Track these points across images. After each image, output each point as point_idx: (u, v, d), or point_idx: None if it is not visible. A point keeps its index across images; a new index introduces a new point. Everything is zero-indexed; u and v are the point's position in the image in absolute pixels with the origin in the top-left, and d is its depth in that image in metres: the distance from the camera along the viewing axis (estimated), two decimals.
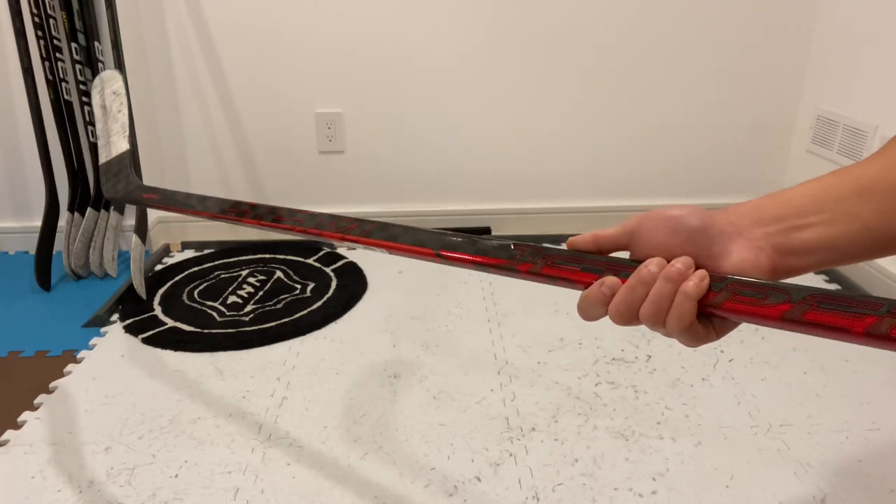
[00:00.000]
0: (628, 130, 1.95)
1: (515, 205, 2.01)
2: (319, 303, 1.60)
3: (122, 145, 0.98)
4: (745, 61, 1.88)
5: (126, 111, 1.02)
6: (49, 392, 1.29)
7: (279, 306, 1.59)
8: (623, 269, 0.48)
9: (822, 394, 1.25)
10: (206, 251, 1.92)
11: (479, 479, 1.05)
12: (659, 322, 0.45)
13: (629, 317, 0.46)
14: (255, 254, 1.89)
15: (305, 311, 1.56)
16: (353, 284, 1.70)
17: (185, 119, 1.89)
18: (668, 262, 0.45)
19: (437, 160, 1.97)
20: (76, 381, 1.32)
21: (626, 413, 1.20)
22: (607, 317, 0.48)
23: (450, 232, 0.58)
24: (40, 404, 1.25)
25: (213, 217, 0.76)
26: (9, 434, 1.17)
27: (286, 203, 1.98)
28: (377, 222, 0.61)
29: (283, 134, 1.92)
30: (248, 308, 1.58)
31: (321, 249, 1.90)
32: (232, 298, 1.63)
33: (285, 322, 1.52)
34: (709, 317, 0.45)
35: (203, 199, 0.80)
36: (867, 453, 1.10)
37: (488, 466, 1.07)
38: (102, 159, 0.98)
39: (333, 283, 1.70)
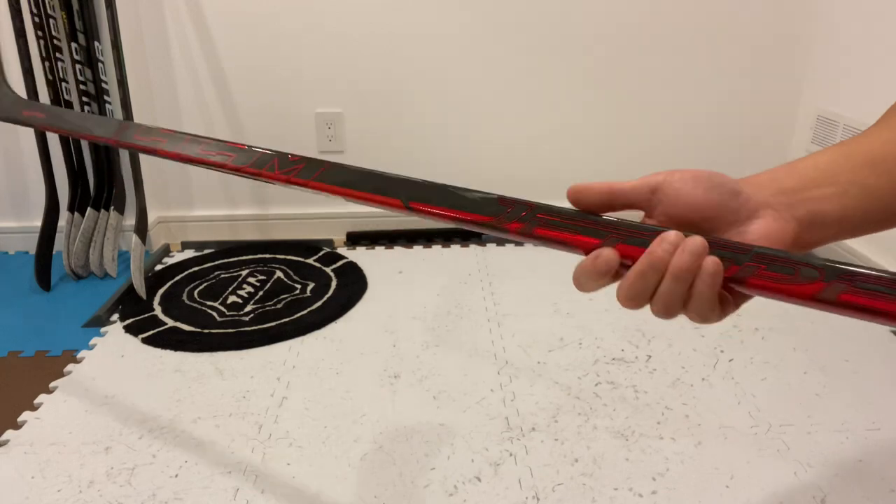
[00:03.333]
0: (628, 130, 1.95)
1: None
2: (319, 303, 1.60)
3: None
4: (745, 61, 1.88)
5: None
6: (49, 392, 1.29)
7: (279, 306, 1.59)
8: (631, 235, 0.42)
9: (822, 394, 1.25)
10: (206, 251, 1.92)
11: (479, 479, 1.05)
12: (675, 313, 0.42)
13: (641, 303, 0.42)
14: (255, 254, 1.89)
15: (305, 311, 1.56)
16: (353, 284, 1.70)
17: (186, 119, 1.89)
18: (686, 237, 0.41)
19: (437, 160, 1.97)
20: (76, 381, 1.32)
21: (626, 413, 1.20)
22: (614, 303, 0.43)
23: (425, 181, 0.49)
24: (40, 404, 1.25)
25: (107, 141, 0.65)
26: (9, 434, 1.17)
27: (286, 203, 1.99)
28: (332, 163, 0.52)
29: (283, 134, 1.92)
30: (248, 308, 1.58)
31: (321, 249, 1.90)
32: (232, 298, 1.63)
33: (285, 322, 1.52)
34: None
35: (103, 122, 0.67)
36: (867, 453, 1.10)
37: (488, 466, 1.07)
38: None
39: (333, 283, 1.70)
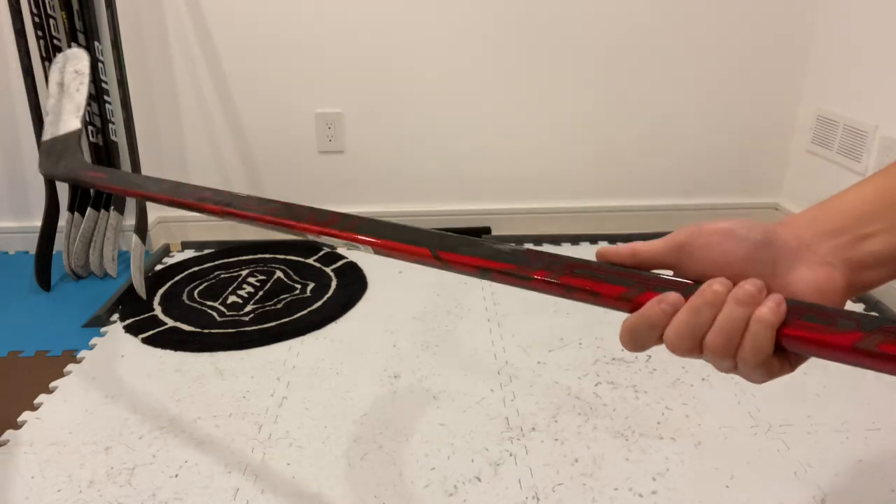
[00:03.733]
0: (628, 130, 1.95)
1: (515, 205, 2.01)
2: (319, 303, 1.60)
3: (72, 124, 0.91)
4: (745, 61, 1.88)
5: (85, 91, 0.94)
6: (49, 392, 1.29)
7: (279, 306, 1.59)
8: (666, 286, 0.40)
9: (822, 394, 1.25)
10: (206, 251, 1.92)
11: (479, 479, 1.05)
12: (729, 354, 0.38)
13: (692, 345, 0.39)
14: (255, 254, 1.89)
15: (305, 311, 1.56)
16: (353, 284, 1.70)
17: (185, 119, 1.89)
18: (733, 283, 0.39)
19: (437, 160, 1.97)
20: (76, 381, 1.32)
21: (626, 413, 1.20)
22: (663, 345, 0.40)
23: (450, 232, 0.50)
24: (40, 404, 1.25)
25: (171, 203, 0.68)
26: (9, 434, 1.17)
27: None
28: (365, 218, 0.54)
29: (283, 134, 1.92)
30: (248, 308, 1.58)
31: (321, 249, 1.90)
32: (232, 298, 1.63)
33: (285, 322, 1.52)
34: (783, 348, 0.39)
35: (158, 182, 0.71)
36: (867, 453, 1.10)
37: (488, 466, 1.07)
38: (47, 136, 0.91)
39: (333, 283, 1.70)
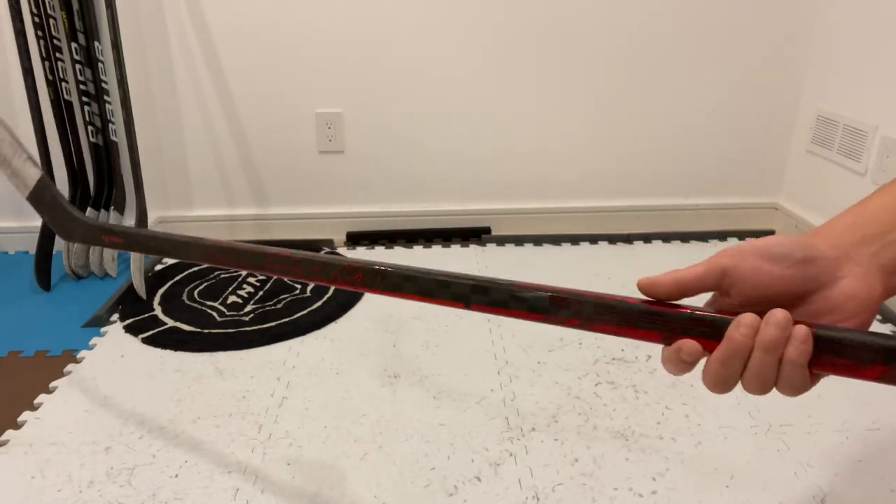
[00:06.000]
0: (628, 131, 1.95)
1: (515, 205, 2.01)
2: (319, 303, 1.60)
3: (31, 172, 0.89)
4: (745, 61, 1.88)
5: (18, 147, 0.91)
6: (49, 392, 1.29)
7: (279, 306, 1.59)
8: (690, 326, 0.42)
9: (822, 394, 1.25)
10: None
11: (479, 479, 1.05)
12: (766, 391, 0.41)
13: (730, 387, 0.42)
14: None
15: (305, 311, 1.56)
16: None
17: (185, 119, 1.89)
18: (761, 314, 0.40)
19: (437, 160, 1.97)
20: (76, 381, 1.32)
21: (626, 413, 1.20)
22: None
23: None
24: (40, 404, 1.25)
25: (201, 260, 0.70)
26: (9, 434, 1.17)
27: (286, 203, 1.99)
28: (386, 271, 0.54)
29: (283, 134, 1.92)
30: (248, 308, 1.58)
31: (321, 249, 1.90)
32: (232, 298, 1.63)
33: (285, 322, 1.52)
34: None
35: (168, 237, 0.72)
36: (867, 453, 1.10)
37: (488, 466, 1.07)
38: (25, 193, 0.89)
39: None
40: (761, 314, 0.41)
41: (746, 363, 0.40)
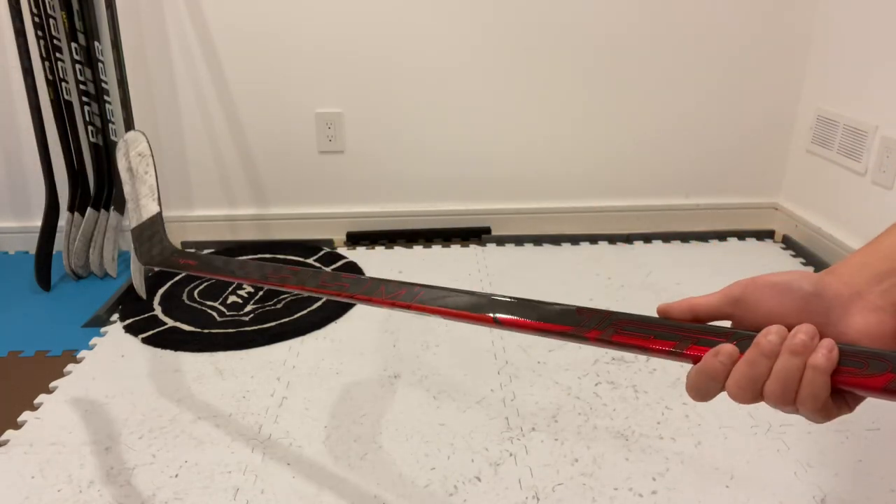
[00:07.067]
0: (628, 130, 1.95)
1: (515, 205, 2.01)
2: (319, 303, 1.60)
3: (152, 208, 0.95)
4: (745, 61, 1.88)
5: (153, 172, 0.99)
6: (49, 392, 1.29)
7: (279, 306, 1.59)
8: (707, 338, 0.43)
9: None
10: (205, 251, 1.92)
11: (479, 479, 1.05)
12: (789, 401, 0.41)
13: (753, 395, 0.42)
14: (255, 254, 1.89)
15: (305, 311, 1.56)
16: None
17: (185, 119, 1.89)
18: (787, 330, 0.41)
19: (437, 160, 1.97)
20: (76, 381, 1.32)
21: (626, 413, 1.20)
22: (724, 393, 0.43)
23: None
24: (40, 404, 1.25)
25: (254, 283, 0.75)
26: (9, 434, 1.17)
27: (286, 203, 1.99)
28: (427, 287, 0.59)
29: (283, 134, 1.92)
30: (248, 308, 1.58)
31: (321, 249, 1.90)
32: (232, 298, 1.63)
33: (285, 322, 1.52)
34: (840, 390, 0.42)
35: (243, 265, 0.77)
36: (867, 453, 1.10)
37: (488, 466, 1.07)
38: (134, 223, 0.96)
39: None
40: None
41: (771, 369, 0.41)
